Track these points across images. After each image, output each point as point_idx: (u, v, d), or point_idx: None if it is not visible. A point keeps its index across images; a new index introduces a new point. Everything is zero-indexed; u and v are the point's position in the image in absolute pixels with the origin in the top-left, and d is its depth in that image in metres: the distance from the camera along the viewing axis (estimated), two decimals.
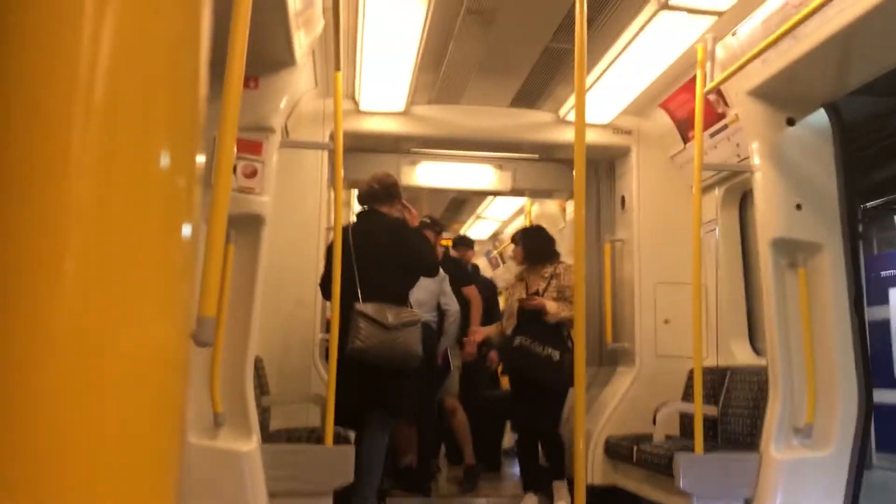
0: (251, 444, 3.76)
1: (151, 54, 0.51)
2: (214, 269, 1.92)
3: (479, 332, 5.63)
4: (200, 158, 1.14)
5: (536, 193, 7.23)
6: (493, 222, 9.23)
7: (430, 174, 6.85)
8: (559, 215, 7.57)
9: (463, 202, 8.78)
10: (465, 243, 7.36)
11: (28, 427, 0.49)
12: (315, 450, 3.97)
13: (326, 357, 4.93)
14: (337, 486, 4.03)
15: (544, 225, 6.38)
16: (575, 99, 3.29)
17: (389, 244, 4.40)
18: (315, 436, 4.15)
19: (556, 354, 4.97)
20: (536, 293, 5.19)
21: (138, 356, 0.48)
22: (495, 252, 9.90)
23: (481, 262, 9.37)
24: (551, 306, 5.08)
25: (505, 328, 5.37)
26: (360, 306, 4.20)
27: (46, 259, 0.50)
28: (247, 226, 3.95)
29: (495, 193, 7.62)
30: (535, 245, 5.41)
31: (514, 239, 6.46)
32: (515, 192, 7.16)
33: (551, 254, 5.33)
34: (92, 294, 0.49)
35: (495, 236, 9.78)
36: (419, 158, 6.60)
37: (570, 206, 7.35)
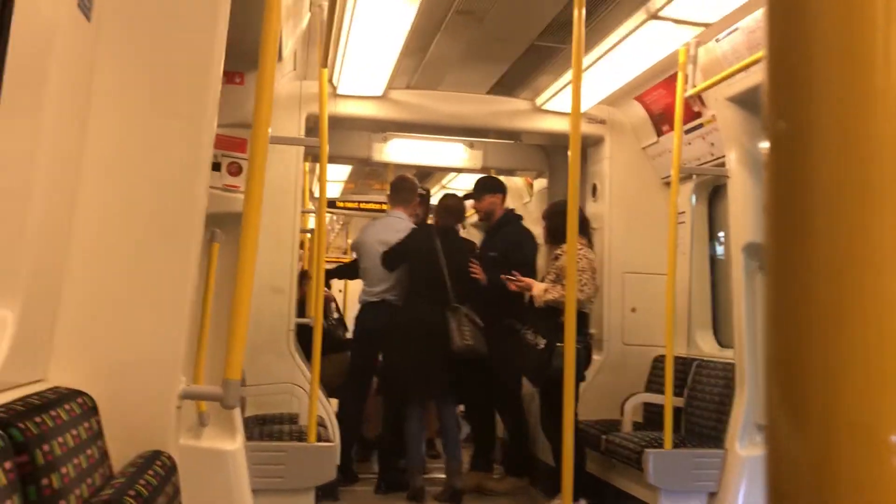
0: (236, 444, 3.78)
1: None
2: (241, 331, 1.92)
3: None
4: None
5: (505, 172, 7.26)
6: (458, 192, 9.23)
7: (401, 151, 6.82)
8: (524, 189, 7.63)
9: (428, 173, 8.75)
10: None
11: None
12: (299, 448, 4.01)
13: (301, 344, 4.97)
14: (319, 483, 4.10)
15: (509, 198, 6.31)
16: (572, 91, 3.30)
17: (463, 262, 5.21)
18: (297, 431, 4.20)
19: (541, 342, 4.59)
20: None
21: None
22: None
23: None
24: (537, 288, 4.76)
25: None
26: (466, 310, 5.01)
27: None
28: (232, 224, 3.90)
29: (466, 171, 7.64)
30: (552, 223, 4.88)
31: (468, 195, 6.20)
32: (485, 170, 7.19)
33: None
34: None
35: None
36: (390, 136, 6.57)
37: (537, 183, 7.42)
